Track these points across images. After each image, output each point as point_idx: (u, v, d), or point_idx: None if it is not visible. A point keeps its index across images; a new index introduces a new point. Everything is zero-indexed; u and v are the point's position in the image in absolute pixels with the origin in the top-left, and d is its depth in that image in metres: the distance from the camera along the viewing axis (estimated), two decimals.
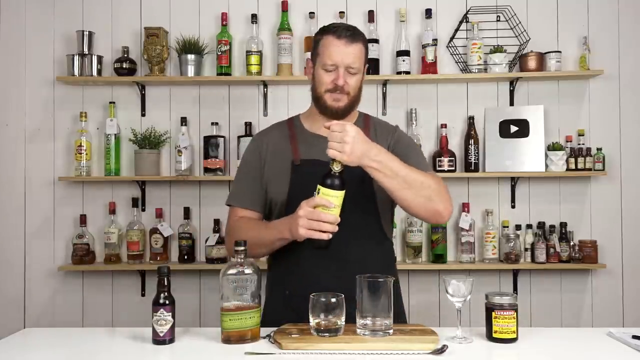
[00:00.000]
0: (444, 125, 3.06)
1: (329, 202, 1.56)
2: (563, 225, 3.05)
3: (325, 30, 1.80)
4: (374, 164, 1.60)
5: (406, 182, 1.63)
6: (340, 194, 1.57)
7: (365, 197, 1.77)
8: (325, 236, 1.57)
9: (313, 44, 1.84)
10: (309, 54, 2.97)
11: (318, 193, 1.57)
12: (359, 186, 1.75)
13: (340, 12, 3.07)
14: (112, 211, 3.06)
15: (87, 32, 3.05)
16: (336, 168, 1.56)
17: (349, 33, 1.76)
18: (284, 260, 1.81)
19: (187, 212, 3.08)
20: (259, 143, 1.90)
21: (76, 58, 3.02)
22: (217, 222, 3.04)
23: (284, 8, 3.07)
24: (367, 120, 1.92)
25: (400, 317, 1.82)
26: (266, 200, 1.86)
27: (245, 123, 3.07)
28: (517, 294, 3.02)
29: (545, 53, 3.05)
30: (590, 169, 3.01)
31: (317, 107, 1.82)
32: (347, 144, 1.55)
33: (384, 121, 1.99)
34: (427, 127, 3.13)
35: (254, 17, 3.08)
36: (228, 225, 1.91)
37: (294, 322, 1.63)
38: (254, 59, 3.04)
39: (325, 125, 1.61)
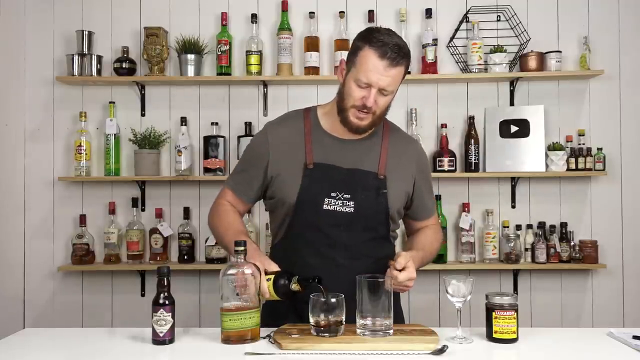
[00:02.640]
0: (444, 125, 3.06)
1: (266, 293, 1.56)
2: (563, 225, 3.05)
3: (369, 40, 1.66)
4: None
5: (424, 264, 1.81)
6: (276, 299, 1.59)
7: (378, 210, 1.75)
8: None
9: (352, 47, 1.71)
10: (308, 54, 3.02)
11: (268, 280, 1.57)
12: (374, 199, 1.73)
13: (340, 12, 3.07)
14: (112, 211, 3.06)
15: (86, 32, 3.05)
16: (294, 288, 1.55)
17: (394, 55, 1.63)
18: (290, 262, 1.77)
19: (187, 212, 3.08)
20: (270, 138, 1.80)
21: (76, 58, 3.02)
22: None
23: (284, 8, 3.06)
24: (387, 125, 1.85)
25: (398, 317, 1.81)
26: (264, 193, 1.84)
27: (245, 123, 3.07)
28: (517, 294, 3.02)
29: (546, 53, 3.05)
30: (590, 169, 3.01)
31: (340, 116, 1.74)
32: (413, 280, 1.60)
33: (403, 131, 1.94)
34: (427, 127, 3.13)
35: (254, 17, 3.08)
36: (215, 202, 1.91)
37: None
38: (253, 58, 3.04)
39: (393, 273, 1.57)
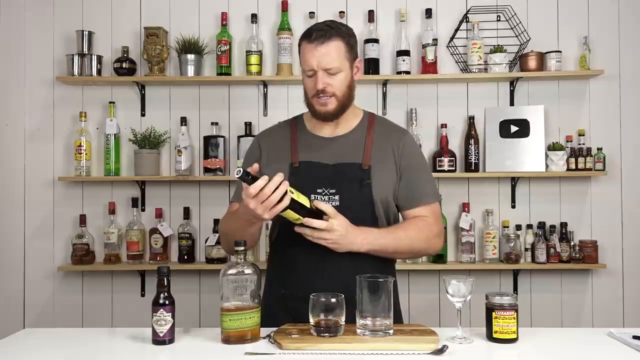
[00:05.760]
0: (444, 125, 3.06)
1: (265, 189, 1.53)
2: (563, 225, 3.05)
3: (302, 36, 1.78)
4: (364, 249, 1.68)
5: (397, 252, 1.77)
6: (259, 184, 1.51)
7: (363, 201, 1.75)
8: (282, 206, 1.53)
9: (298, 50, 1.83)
10: None
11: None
12: (358, 190, 1.74)
13: (341, 12, 3.07)
14: (112, 211, 3.06)
15: (87, 32, 3.05)
16: (237, 176, 1.50)
17: (321, 33, 1.71)
18: (281, 260, 1.81)
19: (187, 212, 3.08)
20: (260, 142, 1.90)
21: (76, 58, 3.02)
22: (217, 222, 3.04)
23: (284, 8, 3.07)
24: (372, 119, 1.88)
25: (397, 316, 1.81)
26: None
27: (245, 123, 3.07)
28: (517, 294, 3.01)
29: (546, 53, 3.05)
30: (590, 169, 3.01)
31: (310, 112, 1.82)
32: (333, 243, 1.62)
33: (392, 122, 1.94)
34: (427, 127, 3.12)
35: (254, 17, 3.08)
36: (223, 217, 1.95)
37: (288, 322, 1.63)
38: (253, 58, 3.04)
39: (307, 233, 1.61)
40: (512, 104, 3.13)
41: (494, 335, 1.51)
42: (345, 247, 1.65)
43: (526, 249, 3.03)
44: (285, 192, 1.53)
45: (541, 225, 3.07)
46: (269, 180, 1.51)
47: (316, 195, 1.72)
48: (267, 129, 1.99)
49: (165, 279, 1.53)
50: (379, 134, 1.83)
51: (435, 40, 3.04)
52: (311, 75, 1.74)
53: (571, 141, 3.07)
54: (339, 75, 1.73)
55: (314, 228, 1.60)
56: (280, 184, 1.52)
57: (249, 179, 1.51)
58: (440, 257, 3.00)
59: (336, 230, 1.61)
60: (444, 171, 2.99)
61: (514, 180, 3.11)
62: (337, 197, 1.73)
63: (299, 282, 1.73)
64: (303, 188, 1.70)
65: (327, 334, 1.48)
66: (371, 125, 1.85)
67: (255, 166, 1.57)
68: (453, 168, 3.01)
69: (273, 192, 1.51)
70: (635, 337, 1.52)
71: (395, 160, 1.81)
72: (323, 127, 1.83)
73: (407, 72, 3.03)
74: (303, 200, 1.58)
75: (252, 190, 1.51)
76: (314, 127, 1.85)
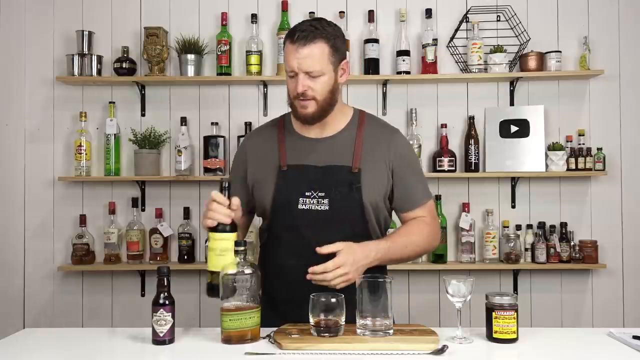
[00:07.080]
0: (444, 125, 3.06)
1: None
2: (563, 225, 3.05)
3: (286, 34, 1.71)
4: (375, 263, 1.66)
5: (402, 259, 1.76)
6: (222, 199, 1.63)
7: (353, 205, 1.72)
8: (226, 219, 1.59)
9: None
10: None
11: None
12: (347, 194, 1.71)
13: (341, 12, 3.07)
14: (112, 211, 3.06)
15: (87, 32, 3.05)
16: (224, 185, 1.65)
17: (304, 34, 1.64)
18: (270, 264, 1.79)
19: (187, 212, 3.08)
20: (247, 148, 1.86)
21: (76, 58, 3.02)
22: None
23: (284, 8, 3.07)
24: (362, 117, 1.83)
25: None
26: (252, 201, 1.83)
27: (245, 123, 3.07)
28: (517, 294, 3.01)
29: (546, 53, 3.05)
30: (590, 169, 3.01)
31: (292, 113, 1.78)
32: (350, 274, 1.58)
33: (383, 121, 1.90)
34: (427, 127, 3.12)
35: (254, 17, 3.08)
36: None
37: (278, 325, 1.61)
38: (253, 58, 3.04)
39: (315, 269, 1.57)
40: (512, 104, 3.13)
41: (494, 335, 1.51)
42: (360, 273, 1.60)
43: (526, 249, 3.03)
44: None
45: (541, 225, 3.07)
46: (230, 204, 1.60)
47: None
48: (255, 130, 1.96)
49: (165, 279, 1.53)
50: (369, 135, 1.79)
51: (435, 40, 3.04)
52: (293, 76, 1.69)
53: (571, 141, 3.07)
54: (321, 79, 1.68)
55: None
56: (224, 214, 1.59)
57: (226, 193, 1.63)
58: (440, 257, 3.00)
59: (343, 265, 1.57)
60: (444, 171, 2.99)
61: (514, 180, 3.11)
62: (326, 200, 1.70)
63: (287, 286, 1.71)
64: (291, 192, 1.68)
65: (327, 334, 1.48)
66: (361, 124, 1.80)
67: (236, 201, 1.62)
68: (453, 168, 3.01)
69: (214, 211, 1.60)
70: (635, 337, 1.52)
71: (386, 163, 1.77)
72: (310, 127, 1.78)
73: (407, 72, 3.03)
74: (212, 260, 1.59)
75: (213, 196, 1.63)
76: (301, 128, 1.80)
